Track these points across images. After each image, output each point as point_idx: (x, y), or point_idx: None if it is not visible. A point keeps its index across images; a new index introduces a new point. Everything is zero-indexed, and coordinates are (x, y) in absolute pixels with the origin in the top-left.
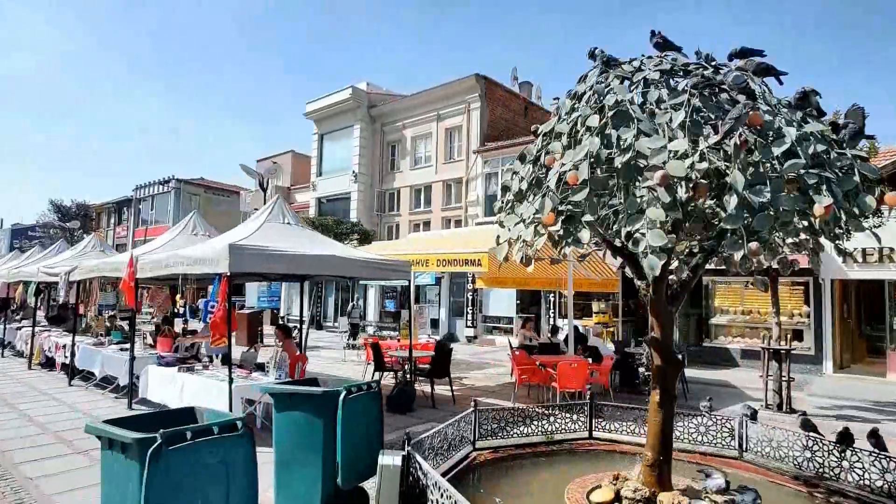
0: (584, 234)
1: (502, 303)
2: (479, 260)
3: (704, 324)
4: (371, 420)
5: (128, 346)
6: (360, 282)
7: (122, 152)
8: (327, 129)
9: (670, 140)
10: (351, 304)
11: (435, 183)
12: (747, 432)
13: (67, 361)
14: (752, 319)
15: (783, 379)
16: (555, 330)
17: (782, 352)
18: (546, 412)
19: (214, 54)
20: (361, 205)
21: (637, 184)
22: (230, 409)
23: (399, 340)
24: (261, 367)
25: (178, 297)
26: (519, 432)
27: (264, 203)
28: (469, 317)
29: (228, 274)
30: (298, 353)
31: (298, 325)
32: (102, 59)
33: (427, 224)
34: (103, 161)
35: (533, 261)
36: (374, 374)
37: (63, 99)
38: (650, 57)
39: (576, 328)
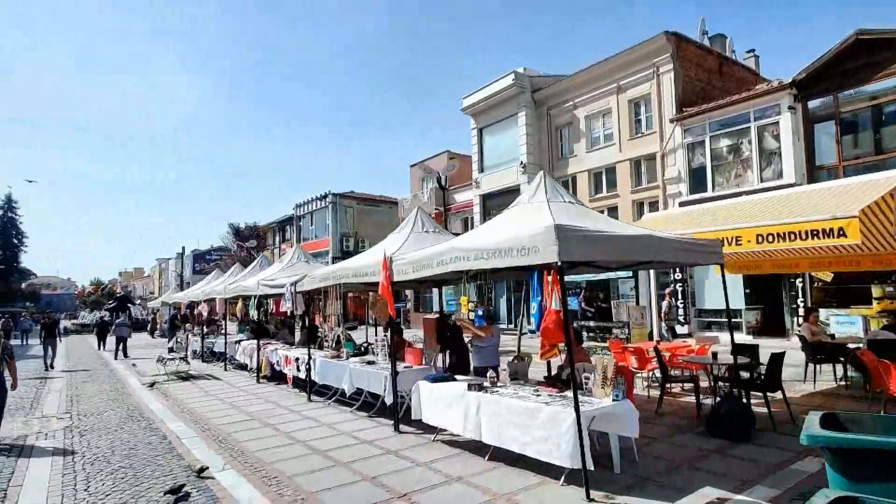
0: None
1: (721, 294)
2: (839, 229)
3: None
4: None
5: (371, 358)
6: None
7: (284, 176)
8: (487, 121)
9: None
10: (666, 301)
11: (619, 163)
12: None
13: (300, 375)
14: None
15: None
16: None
17: None
18: None
19: (335, 77)
20: None
21: None
22: (583, 450)
23: (629, 343)
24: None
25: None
26: None
27: (444, 203)
28: (680, 311)
29: (559, 264)
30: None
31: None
32: (239, 105)
33: (613, 210)
34: (265, 187)
35: None
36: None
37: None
38: None
39: None
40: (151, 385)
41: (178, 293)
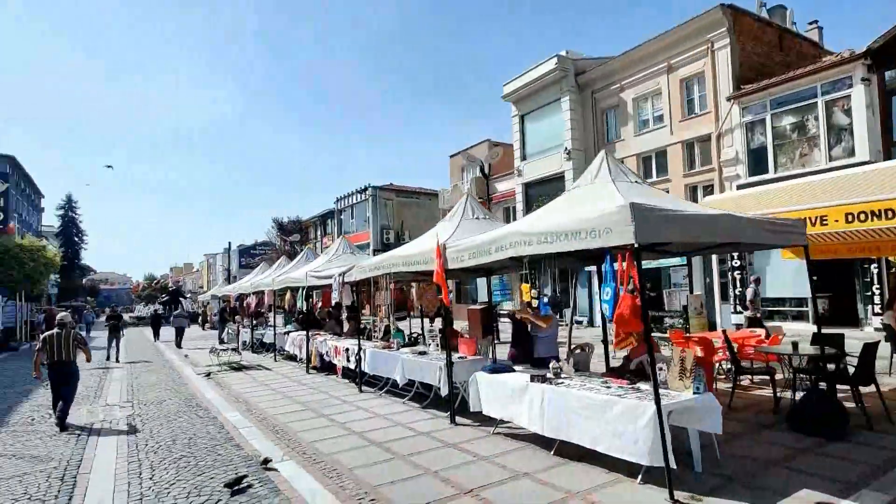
0: None
1: (786, 280)
2: None
3: None
4: None
5: (422, 348)
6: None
7: (326, 172)
8: (529, 107)
9: None
10: (752, 288)
11: (671, 146)
12: None
13: (350, 365)
14: None
15: None
16: None
17: None
18: None
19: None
20: None
21: None
22: (665, 447)
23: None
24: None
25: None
26: None
27: (487, 193)
28: (738, 300)
29: (635, 246)
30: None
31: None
32: (278, 104)
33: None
34: (307, 183)
35: None
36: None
37: (258, 138)
38: None
39: None
40: (208, 375)
41: (227, 286)
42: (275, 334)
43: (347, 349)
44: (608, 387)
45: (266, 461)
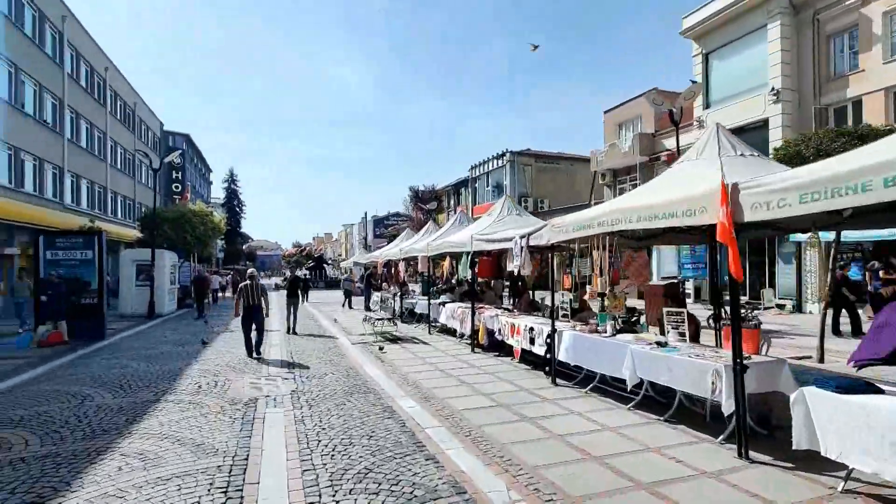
0: None
1: None
2: None
3: None
4: None
5: (661, 338)
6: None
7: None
8: (718, 42)
9: None
10: None
11: None
12: None
13: (534, 350)
14: None
15: None
16: None
17: None
18: None
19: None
20: (788, 131)
21: None
22: None
23: None
24: None
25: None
26: None
27: (651, 152)
28: None
29: None
30: None
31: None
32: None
33: None
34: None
35: None
36: None
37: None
38: None
39: None
40: (381, 349)
41: (375, 252)
42: (429, 304)
43: (532, 329)
44: None
45: None
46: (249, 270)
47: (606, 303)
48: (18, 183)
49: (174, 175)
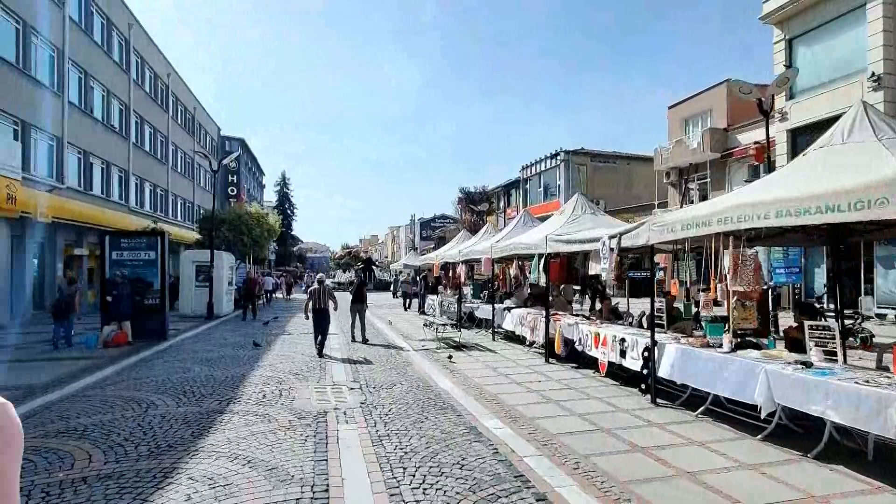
0: None
1: None
2: None
3: None
4: None
5: (804, 357)
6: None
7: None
8: (804, 27)
9: None
10: None
11: None
12: None
13: (625, 363)
14: None
15: None
16: None
17: None
18: None
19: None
20: None
21: None
22: None
23: None
24: None
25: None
26: None
27: (726, 146)
28: None
29: None
30: None
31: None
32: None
33: None
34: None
35: None
36: None
37: (435, 107)
38: None
39: None
40: (449, 357)
41: (430, 254)
42: (493, 309)
43: (623, 340)
44: None
45: None
46: (318, 275)
47: (735, 314)
48: (87, 185)
49: (230, 178)
